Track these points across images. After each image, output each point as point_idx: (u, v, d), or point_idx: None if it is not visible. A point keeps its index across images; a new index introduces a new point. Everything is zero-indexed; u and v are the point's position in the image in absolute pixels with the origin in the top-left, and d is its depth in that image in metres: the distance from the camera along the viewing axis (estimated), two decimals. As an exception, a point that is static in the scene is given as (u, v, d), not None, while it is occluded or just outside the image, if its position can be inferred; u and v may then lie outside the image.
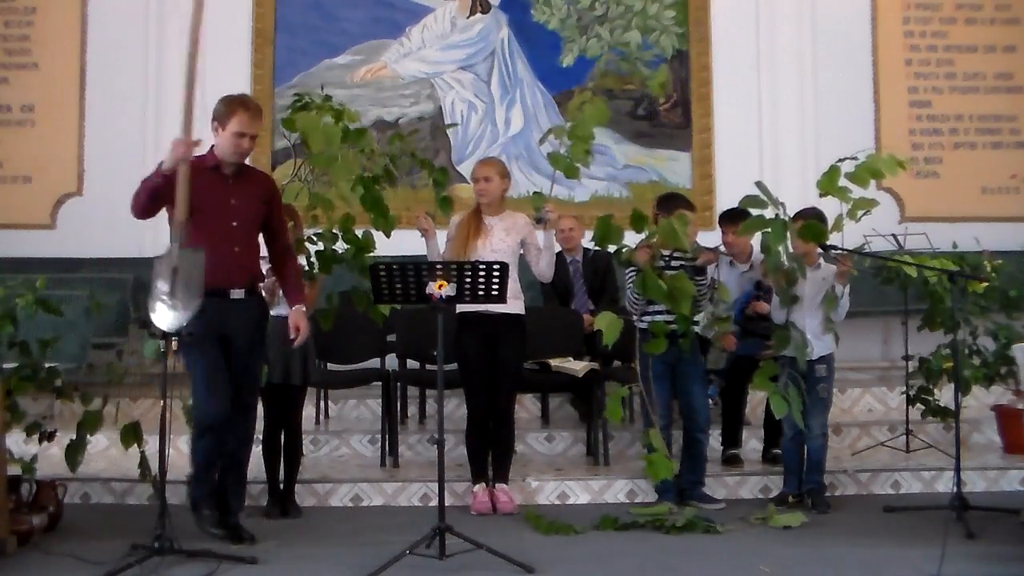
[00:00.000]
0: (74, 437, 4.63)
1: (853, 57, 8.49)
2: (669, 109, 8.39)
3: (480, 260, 4.51)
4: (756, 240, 5.80)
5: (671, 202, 5.07)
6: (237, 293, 4.29)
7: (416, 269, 4.17)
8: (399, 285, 4.20)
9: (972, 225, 7.85)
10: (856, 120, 8.29)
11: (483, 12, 8.56)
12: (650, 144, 8.40)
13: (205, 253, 4.10)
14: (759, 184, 4.68)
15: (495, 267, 4.27)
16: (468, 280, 4.24)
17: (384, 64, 8.47)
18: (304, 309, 4.46)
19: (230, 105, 4.34)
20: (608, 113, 4.90)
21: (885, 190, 8.20)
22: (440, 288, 4.11)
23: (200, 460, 4.36)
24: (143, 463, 4.57)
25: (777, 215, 4.60)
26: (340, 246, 5.12)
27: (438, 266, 4.23)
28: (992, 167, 8.51)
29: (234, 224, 4.30)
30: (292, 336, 4.40)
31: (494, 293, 4.31)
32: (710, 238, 5.92)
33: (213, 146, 4.39)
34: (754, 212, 4.70)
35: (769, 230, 4.61)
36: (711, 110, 8.42)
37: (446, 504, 5.00)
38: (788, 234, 4.63)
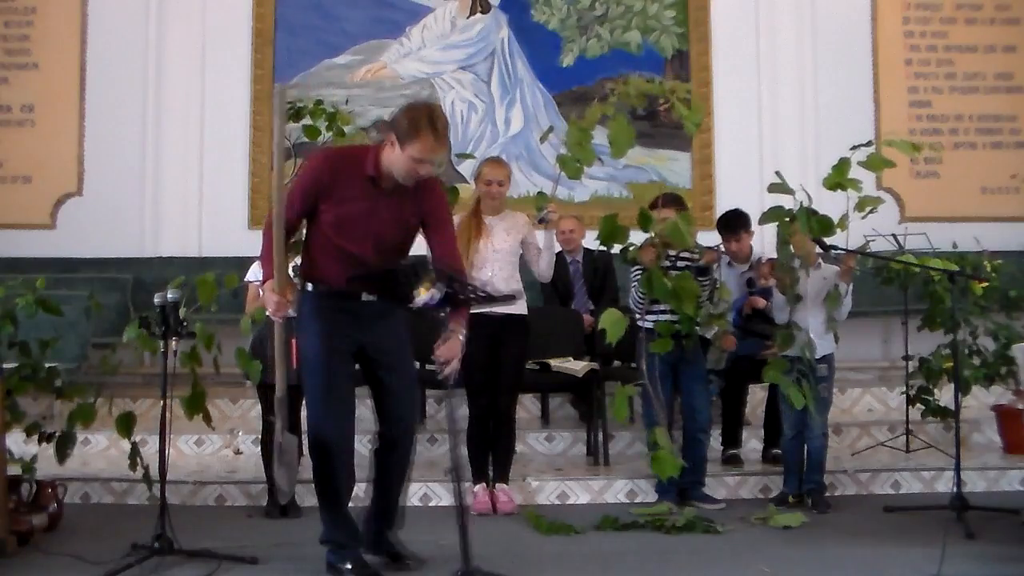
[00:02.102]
0: (64, 430, 4.56)
1: (853, 57, 8.49)
2: (669, 109, 8.36)
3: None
4: (755, 241, 5.86)
5: (664, 202, 5.11)
6: (369, 296, 3.79)
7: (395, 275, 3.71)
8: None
9: (972, 225, 7.85)
10: (856, 120, 8.28)
11: (483, 12, 8.56)
12: (650, 144, 8.39)
13: (337, 265, 3.71)
14: (778, 174, 4.72)
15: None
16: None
17: (384, 64, 8.46)
18: (462, 337, 3.76)
19: (415, 124, 3.65)
20: (634, 133, 4.79)
21: (885, 190, 8.21)
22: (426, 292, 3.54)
23: (321, 488, 3.86)
24: (134, 453, 4.53)
25: (802, 204, 4.63)
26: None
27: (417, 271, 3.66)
28: (992, 167, 8.51)
29: (373, 244, 3.76)
30: (441, 367, 3.69)
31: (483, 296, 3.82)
32: (711, 238, 5.92)
33: (379, 148, 3.80)
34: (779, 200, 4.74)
35: (787, 220, 4.65)
36: (711, 110, 8.41)
37: (445, 504, 5.02)
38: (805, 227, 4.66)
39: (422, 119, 3.67)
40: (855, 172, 4.74)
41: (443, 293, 3.52)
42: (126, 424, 4.53)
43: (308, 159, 3.96)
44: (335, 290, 3.77)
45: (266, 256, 3.81)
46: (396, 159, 3.71)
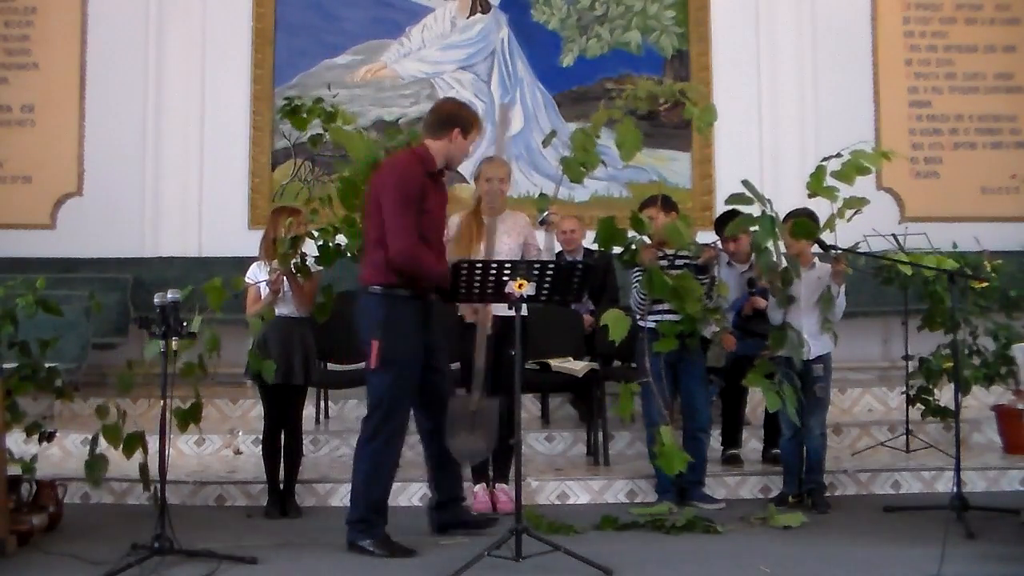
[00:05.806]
0: (93, 451, 4.52)
1: (853, 57, 8.49)
2: (669, 109, 8.38)
3: (563, 260, 4.69)
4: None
5: (649, 202, 5.12)
6: (435, 296, 4.35)
7: (499, 268, 4.18)
8: (478, 283, 4.18)
9: (972, 225, 7.84)
10: (856, 120, 8.28)
11: (483, 12, 8.56)
12: (650, 144, 8.34)
13: (432, 256, 4.22)
14: (745, 182, 4.68)
15: (577, 267, 4.38)
16: (548, 279, 4.24)
17: (384, 64, 8.46)
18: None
19: (473, 114, 4.43)
20: (641, 136, 4.81)
21: (885, 190, 8.21)
22: (520, 288, 4.11)
23: (372, 466, 4.26)
24: (144, 472, 4.51)
25: (764, 212, 4.60)
26: (341, 239, 5.07)
27: (521, 266, 4.25)
28: (992, 167, 8.50)
29: (443, 233, 4.47)
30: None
31: (572, 293, 4.38)
32: (710, 239, 5.92)
33: (425, 146, 4.35)
34: (743, 210, 4.71)
35: (757, 228, 4.62)
36: (711, 110, 8.40)
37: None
38: (779, 232, 4.63)
39: (473, 110, 4.46)
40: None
41: (532, 289, 4.20)
42: (132, 445, 4.51)
43: (395, 168, 4.26)
44: (413, 293, 4.16)
45: (436, 264, 4.23)
46: (458, 148, 4.32)
